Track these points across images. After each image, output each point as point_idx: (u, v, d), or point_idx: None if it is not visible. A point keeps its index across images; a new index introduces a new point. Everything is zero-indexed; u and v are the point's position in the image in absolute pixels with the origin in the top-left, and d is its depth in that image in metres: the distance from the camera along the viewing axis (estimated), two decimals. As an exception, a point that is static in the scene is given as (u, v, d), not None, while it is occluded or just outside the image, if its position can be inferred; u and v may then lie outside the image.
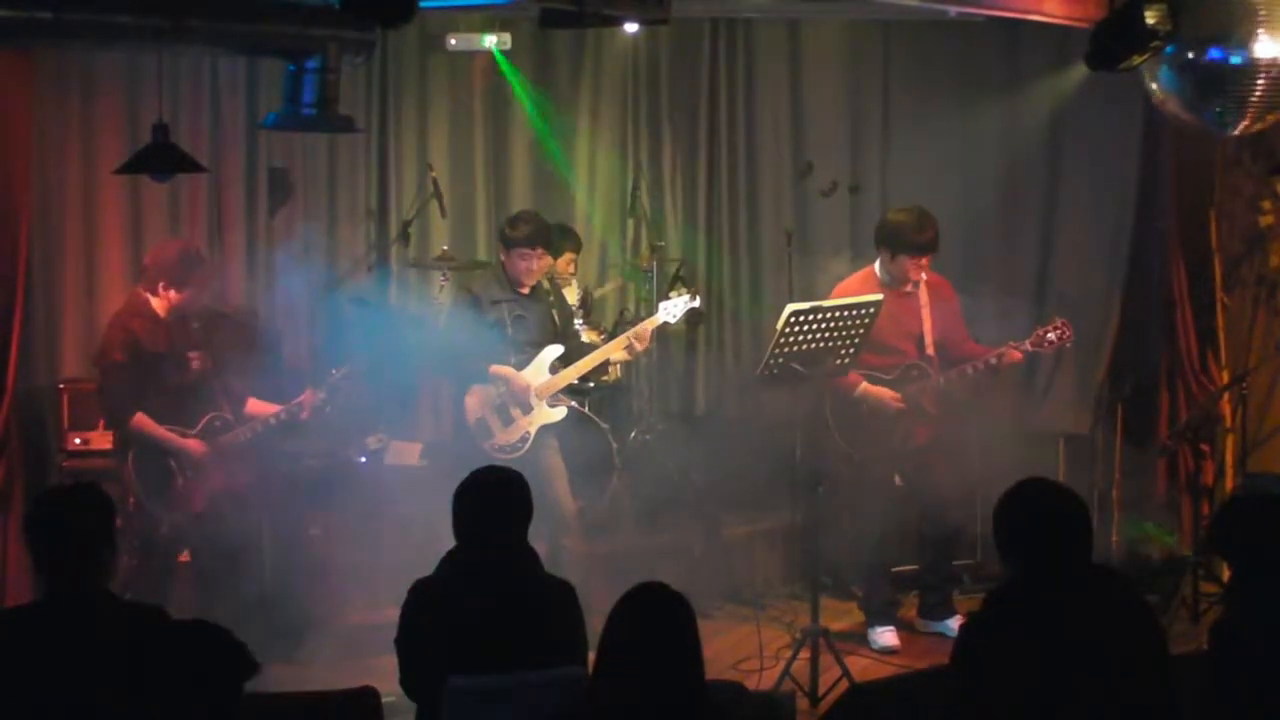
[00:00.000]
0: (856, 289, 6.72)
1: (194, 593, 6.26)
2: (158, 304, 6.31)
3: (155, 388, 6.29)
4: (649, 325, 6.90)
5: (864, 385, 6.76)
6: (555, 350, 6.76)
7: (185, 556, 6.34)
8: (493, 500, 4.29)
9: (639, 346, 6.86)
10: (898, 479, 6.94)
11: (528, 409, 6.70)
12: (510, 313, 6.70)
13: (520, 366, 6.69)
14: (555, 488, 6.66)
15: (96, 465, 6.63)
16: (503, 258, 6.78)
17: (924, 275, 6.81)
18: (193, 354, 6.38)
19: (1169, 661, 3.78)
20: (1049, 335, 6.73)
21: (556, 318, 6.89)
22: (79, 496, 4.01)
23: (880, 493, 6.91)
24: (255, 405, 6.52)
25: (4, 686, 3.72)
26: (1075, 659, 3.62)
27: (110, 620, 3.82)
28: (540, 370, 6.72)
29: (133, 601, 3.92)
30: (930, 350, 6.86)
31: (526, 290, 6.76)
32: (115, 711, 3.68)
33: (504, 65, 8.23)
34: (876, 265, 6.92)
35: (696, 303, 7.21)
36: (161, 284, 6.28)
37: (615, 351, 6.95)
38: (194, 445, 6.30)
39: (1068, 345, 6.79)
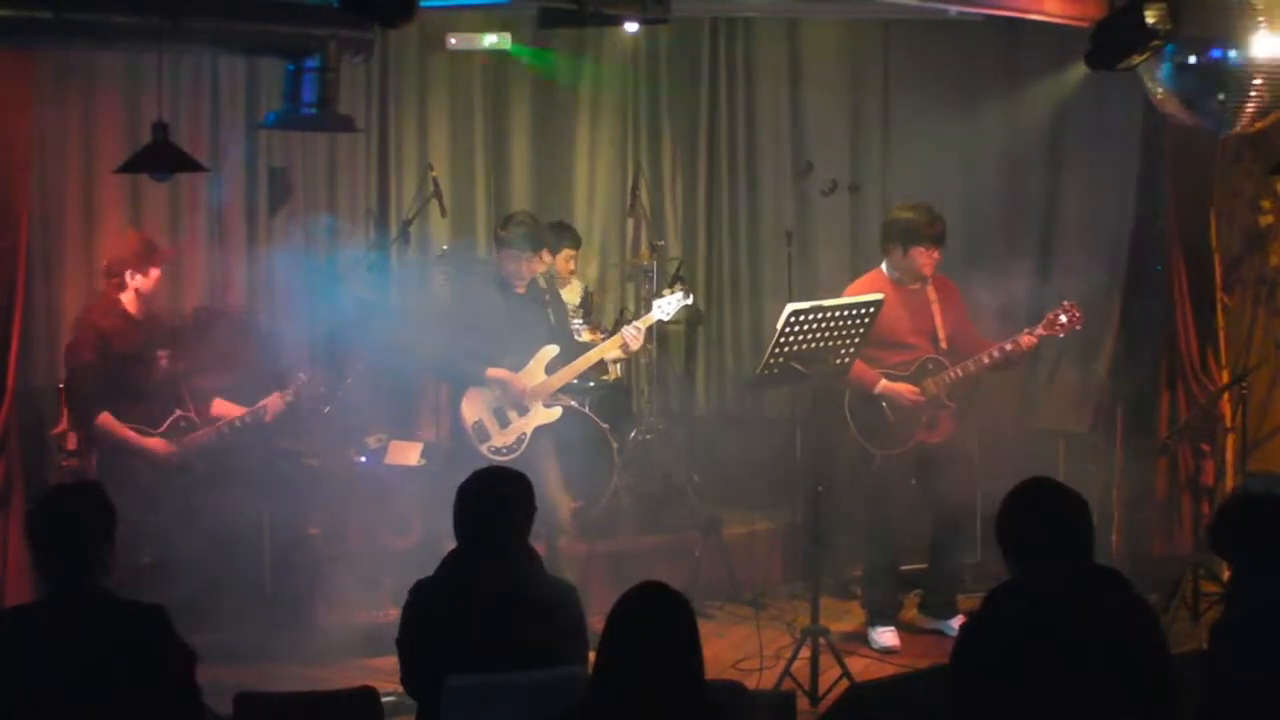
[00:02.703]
0: (866, 291, 6.73)
1: (186, 593, 6.24)
2: (128, 300, 6.34)
3: (122, 388, 6.31)
4: (643, 323, 6.93)
5: (883, 382, 6.78)
6: (551, 350, 6.76)
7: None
8: (495, 501, 4.29)
9: (633, 345, 6.88)
10: (913, 480, 6.96)
11: (524, 411, 6.70)
12: (506, 314, 6.70)
13: (517, 368, 6.69)
14: (550, 489, 6.66)
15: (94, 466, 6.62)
16: (498, 258, 6.78)
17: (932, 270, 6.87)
18: (161, 352, 6.40)
19: (1169, 661, 3.77)
20: (1060, 319, 6.77)
21: (552, 317, 6.89)
22: (79, 496, 4.02)
23: (895, 492, 6.93)
24: (221, 406, 6.52)
25: (5, 685, 3.73)
26: (1075, 658, 3.62)
27: (110, 619, 3.82)
28: (537, 371, 6.73)
29: (134, 601, 3.92)
30: (944, 344, 6.89)
31: (522, 290, 6.76)
32: (115, 710, 3.69)
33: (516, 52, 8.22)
34: (884, 265, 6.94)
35: (690, 299, 7.23)
36: (129, 272, 6.32)
37: (610, 350, 6.96)
38: (157, 445, 6.31)
39: (1078, 327, 6.83)
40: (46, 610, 3.86)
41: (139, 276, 6.35)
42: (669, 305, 7.06)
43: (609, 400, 7.97)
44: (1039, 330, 6.80)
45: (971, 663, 3.74)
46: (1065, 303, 6.84)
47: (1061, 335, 6.88)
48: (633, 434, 7.99)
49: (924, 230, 6.79)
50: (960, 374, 6.83)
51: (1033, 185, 8.35)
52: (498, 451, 6.61)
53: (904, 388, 6.80)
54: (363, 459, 7.35)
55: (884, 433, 6.85)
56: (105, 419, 6.25)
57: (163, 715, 3.80)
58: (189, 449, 6.34)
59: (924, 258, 6.81)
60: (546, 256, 7.58)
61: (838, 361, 6.38)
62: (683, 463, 8.08)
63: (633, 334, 6.82)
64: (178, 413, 6.38)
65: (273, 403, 6.44)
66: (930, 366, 6.87)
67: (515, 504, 4.31)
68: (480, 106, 8.58)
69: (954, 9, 7.32)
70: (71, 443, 6.94)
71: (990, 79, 8.31)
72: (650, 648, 3.38)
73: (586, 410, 7.52)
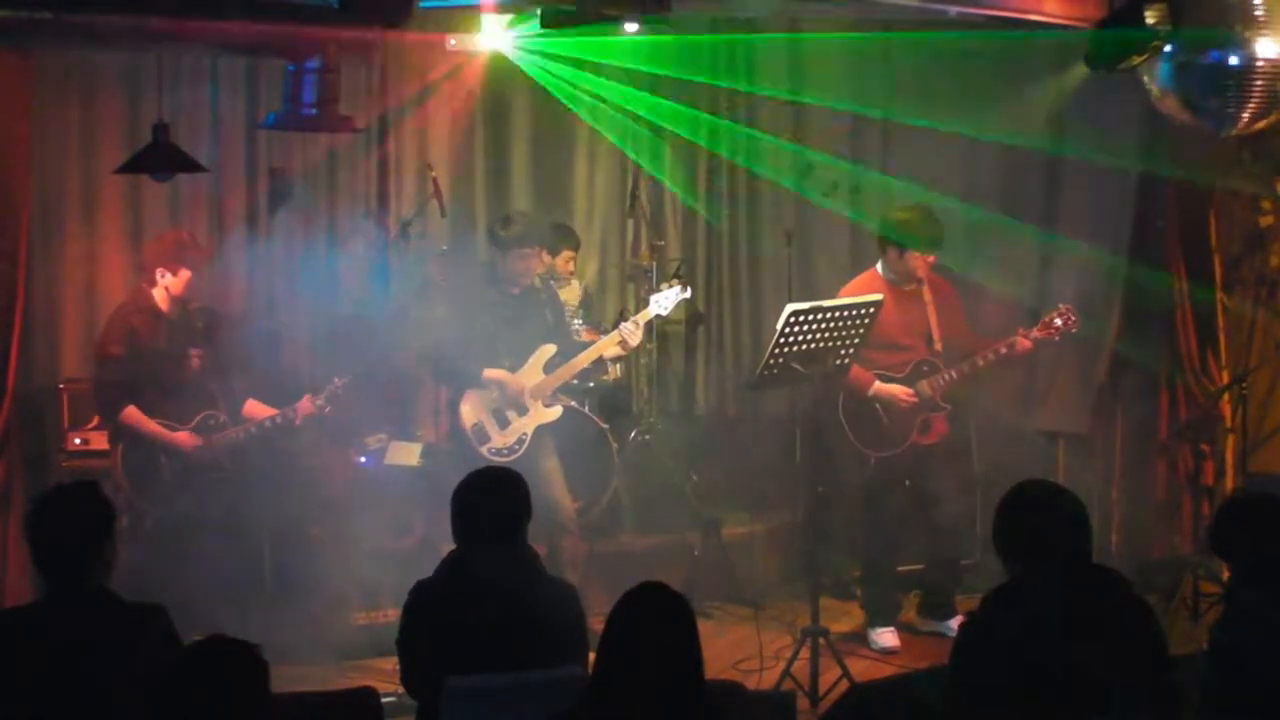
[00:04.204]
0: (862, 290, 6.73)
1: (190, 589, 6.25)
2: (159, 296, 6.38)
3: (151, 383, 6.34)
4: (641, 318, 6.94)
5: (877, 384, 6.78)
6: (549, 350, 6.76)
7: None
8: (490, 501, 4.29)
9: (632, 341, 6.88)
10: (907, 481, 6.96)
11: (523, 411, 6.70)
12: (502, 314, 6.70)
13: (514, 368, 6.69)
14: (552, 489, 6.66)
15: (96, 465, 6.64)
16: (498, 259, 6.76)
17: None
18: (194, 351, 6.43)
19: (1169, 661, 3.77)
20: (1056, 321, 6.78)
21: (550, 316, 6.89)
22: (81, 496, 4.01)
23: (890, 493, 6.93)
24: (253, 407, 6.54)
25: (5, 685, 3.73)
26: (1074, 659, 3.62)
27: (110, 619, 3.83)
28: (534, 371, 6.73)
29: (134, 602, 3.93)
30: (938, 346, 6.89)
31: (518, 290, 6.76)
32: (114, 709, 3.69)
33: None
34: (879, 265, 6.95)
35: (687, 293, 7.24)
36: (159, 270, 6.37)
37: (609, 348, 6.96)
38: (183, 439, 6.33)
39: (1074, 330, 6.83)
40: (47, 610, 3.87)
41: (169, 275, 6.39)
42: (667, 300, 7.07)
43: (609, 400, 7.97)
44: (1035, 333, 6.79)
45: (970, 664, 3.74)
46: (1061, 306, 6.84)
47: (1057, 338, 6.87)
48: (633, 434, 7.99)
49: (921, 233, 6.79)
50: (955, 376, 6.83)
51: (1032, 185, 8.34)
52: (498, 452, 6.61)
53: (898, 390, 6.80)
54: (363, 459, 7.35)
55: (878, 434, 6.85)
56: (130, 412, 6.29)
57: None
58: (216, 446, 6.36)
59: (919, 260, 6.82)
60: (545, 257, 7.58)
61: (837, 362, 6.39)
62: (683, 463, 8.08)
63: (631, 329, 6.83)
64: (206, 411, 6.40)
65: (304, 405, 6.47)
66: (925, 368, 6.87)
67: (511, 504, 4.30)
68: (480, 106, 8.58)
69: (954, 9, 7.31)
70: (72, 443, 6.97)
71: (990, 79, 8.30)
72: (650, 648, 3.38)
73: (586, 410, 7.52)
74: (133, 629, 3.83)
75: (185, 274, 6.42)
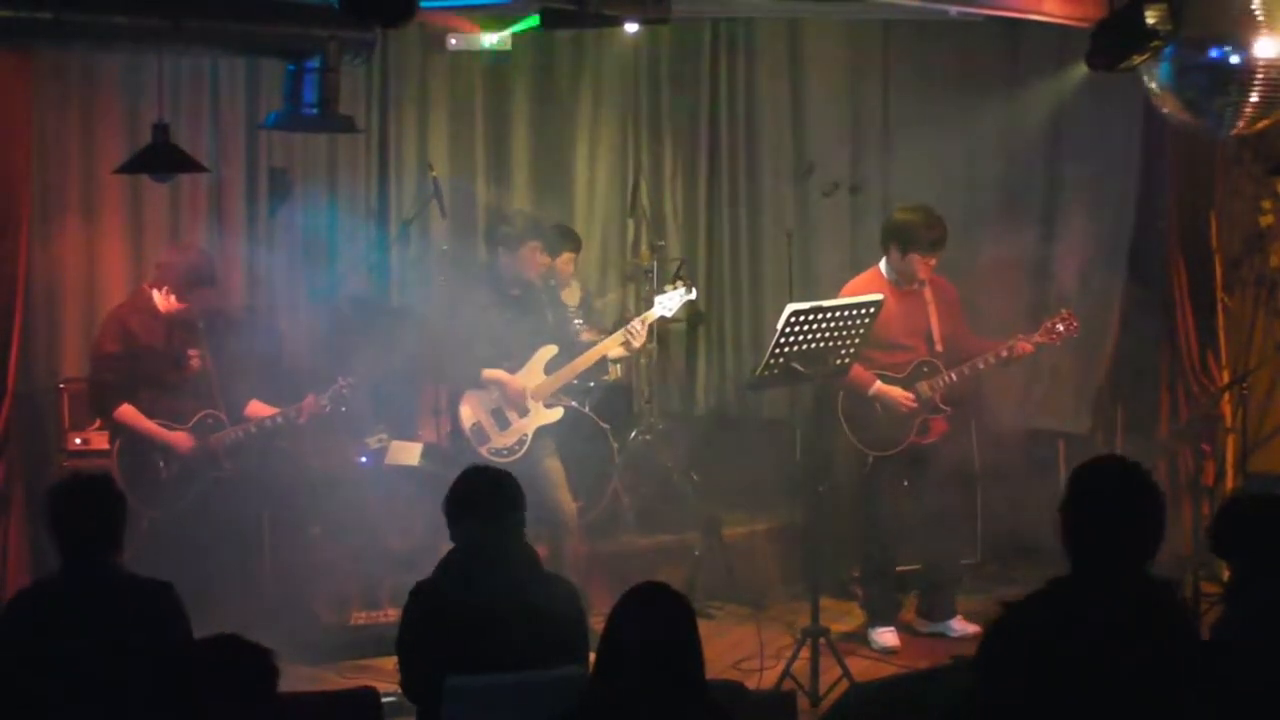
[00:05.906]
0: (864, 290, 6.74)
1: (188, 589, 6.25)
2: (160, 300, 6.40)
3: (148, 382, 6.36)
4: (645, 320, 6.94)
5: (877, 385, 6.78)
6: (549, 351, 6.76)
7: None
8: (484, 501, 4.28)
9: (635, 342, 6.88)
10: (906, 481, 6.96)
11: (524, 411, 6.70)
12: (502, 315, 6.70)
13: (514, 369, 6.69)
14: (555, 490, 6.66)
15: (97, 465, 6.64)
16: (500, 257, 6.76)
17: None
18: (192, 351, 6.44)
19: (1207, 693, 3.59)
20: (1057, 326, 6.79)
21: (550, 317, 6.89)
22: (97, 478, 4.36)
23: (889, 493, 6.93)
24: (255, 407, 6.55)
25: (32, 658, 3.92)
26: (1106, 673, 3.46)
27: (129, 593, 4.08)
28: (535, 372, 6.73)
29: (145, 577, 4.13)
30: (939, 347, 6.90)
31: (518, 292, 6.76)
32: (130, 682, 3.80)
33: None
34: (882, 265, 6.95)
35: (692, 295, 7.24)
36: (166, 288, 6.39)
37: (611, 348, 6.97)
38: (180, 439, 6.34)
39: (1074, 335, 6.84)
40: (69, 585, 4.09)
41: (173, 297, 6.41)
42: (671, 301, 7.07)
43: (609, 400, 7.96)
44: (1036, 338, 6.80)
45: (1000, 664, 3.51)
46: (1063, 310, 6.85)
47: (1058, 343, 6.87)
48: (633, 434, 7.98)
49: (922, 234, 6.79)
50: (955, 378, 6.83)
51: (1032, 185, 8.35)
52: (498, 453, 6.60)
53: (898, 393, 6.80)
54: (363, 459, 7.35)
55: (877, 434, 6.85)
56: (125, 411, 6.33)
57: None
58: (214, 447, 6.38)
59: (921, 262, 6.82)
60: (545, 258, 7.58)
61: (838, 362, 6.39)
62: (683, 463, 8.08)
63: (635, 330, 6.83)
64: (205, 411, 6.42)
65: (308, 405, 6.47)
66: (925, 369, 6.87)
67: (504, 503, 4.29)
68: (480, 106, 8.58)
69: (954, 9, 7.31)
70: (73, 443, 6.97)
71: (990, 79, 8.30)
72: (650, 648, 3.38)
73: (587, 410, 7.52)
74: (146, 602, 4.07)
75: (188, 304, 6.43)
